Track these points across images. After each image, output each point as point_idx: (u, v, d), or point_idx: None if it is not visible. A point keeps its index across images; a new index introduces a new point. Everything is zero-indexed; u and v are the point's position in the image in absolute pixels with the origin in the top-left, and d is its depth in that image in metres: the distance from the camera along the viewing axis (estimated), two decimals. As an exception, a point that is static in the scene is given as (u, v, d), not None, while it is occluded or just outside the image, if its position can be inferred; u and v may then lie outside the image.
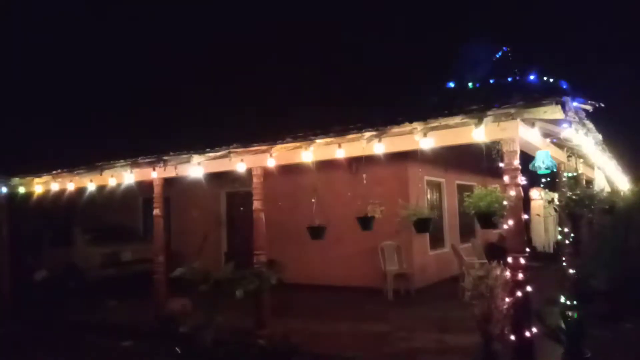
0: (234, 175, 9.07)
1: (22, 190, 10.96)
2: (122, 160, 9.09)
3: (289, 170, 9.48)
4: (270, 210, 9.08)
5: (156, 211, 9.37)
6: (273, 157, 8.01)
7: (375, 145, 7.27)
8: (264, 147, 7.90)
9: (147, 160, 8.93)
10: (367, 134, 7.16)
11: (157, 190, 9.38)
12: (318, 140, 7.51)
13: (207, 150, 8.26)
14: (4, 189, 10.94)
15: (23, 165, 11.05)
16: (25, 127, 14.10)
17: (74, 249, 12.88)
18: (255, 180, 8.36)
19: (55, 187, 10.41)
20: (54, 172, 10.09)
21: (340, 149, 7.54)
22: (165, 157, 8.73)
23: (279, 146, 7.82)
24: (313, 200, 8.61)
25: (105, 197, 12.58)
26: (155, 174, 9.25)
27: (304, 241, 8.93)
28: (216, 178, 9.97)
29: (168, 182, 9.55)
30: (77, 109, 13.40)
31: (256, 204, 8.34)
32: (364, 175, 9.02)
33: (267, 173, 8.50)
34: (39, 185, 10.64)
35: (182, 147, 8.60)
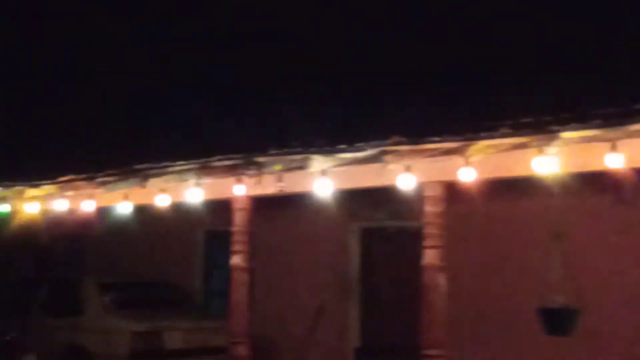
0: (379, 197, 9.21)
1: (3, 208, 11.00)
2: (181, 162, 8.61)
3: (497, 192, 8.80)
4: (456, 269, 8.58)
5: (236, 259, 9.00)
6: (470, 164, 7.22)
7: None
8: (452, 145, 7.18)
9: (226, 162, 8.40)
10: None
11: (240, 218, 8.98)
12: (565, 134, 6.65)
13: (342, 147, 7.65)
14: None
15: (9, 167, 11.22)
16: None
17: (83, 320, 12.20)
18: (429, 207, 7.75)
19: (61, 205, 10.20)
20: (63, 178, 9.75)
21: (614, 154, 6.65)
22: (259, 159, 8.20)
23: (483, 143, 7.03)
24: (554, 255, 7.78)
25: (140, 229, 12.66)
26: (240, 189, 8.62)
27: (525, 335, 9.01)
28: (345, 201, 9.65)
29: (259, 206, 9.18)
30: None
31: (430, 256, 7.75)
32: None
33: (453, 195, 7.93)
34: (34, 203, 10.53)
35: (293, 143, 8.16)
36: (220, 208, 10.38)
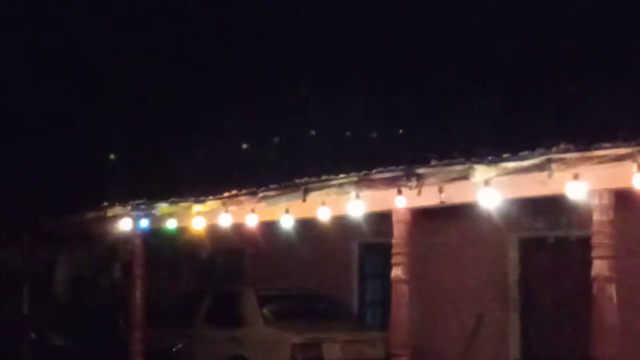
0: (538, 206, 9.14)
1: (171, 224, 11.22)
2: (342, 175, 8.58)
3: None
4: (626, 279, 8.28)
5: (397, 271, 8.73)
6: (644, 171, 6.80)
7: None
8: (622, 152, 6.81)
9: (386, 174, 8.31)
10: None
11: (399, 230, 8.71)
12: None
13: (506, 156, 7.38)
14: (144, 222, 11.28)
15: (175, 185, 11.65)
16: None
17: (244, 332, 12.26)
18: (599, 216, 7.30)
19: (225, 220, 10.20)
20: (226, 194, 9.93)
21: None
22: (419, 170, 8.02)
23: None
24: None
25: (297, 242, 12.64)
26: (401, 200, 8.37)
27: None
28: (503, 211, 9.20)
29: (416, 217, 8.88)
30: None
31: (600, 266, 7.36)
32: None
33: (623, 202, 7.50)
34: (199, 218, 10.59)
35: (454, 152, 8.08)
36: (374, 220, 10.20)
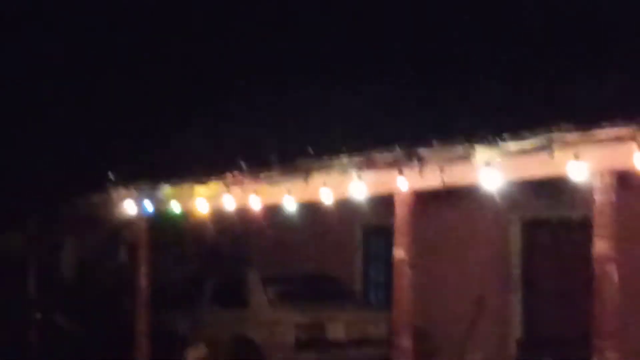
0: (540, 187, 9.00)
1: (175, 208, 11.19)
2: (344, 156, 8.64)
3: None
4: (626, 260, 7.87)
5: (399, 252, 8.77)
6: (645, 151, 6.81)
7: None
8: (623, 132, 6.84)
9: (388, 155, 8.38)
10: None
11: (402, 212, 8.71)
12: None
13: (507, 137, 7.45)
14: (148, 206, 11.31)
15: (177, 166, 11.42)
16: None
17: (248, 313, 12.37)
18: (600, 196, 7.30)
19: (228, 202, 10.24)
20: (228, 175, 9.94)
21: None
22: (421, 152, 8.07)
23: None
24: None
25: (301, 224, 12.17)
26: (403, 182, 8.37)
27: None
28: (505, 192, 9.01)
29: (418, 199, 8.79)
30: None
31: (601, 246, 7.36)
32: None
33: (625, 183, 7.49)
34: (202, 199, 10.61)
35: (456, 133, 7.96)
36: (378, 203, 10.15)
